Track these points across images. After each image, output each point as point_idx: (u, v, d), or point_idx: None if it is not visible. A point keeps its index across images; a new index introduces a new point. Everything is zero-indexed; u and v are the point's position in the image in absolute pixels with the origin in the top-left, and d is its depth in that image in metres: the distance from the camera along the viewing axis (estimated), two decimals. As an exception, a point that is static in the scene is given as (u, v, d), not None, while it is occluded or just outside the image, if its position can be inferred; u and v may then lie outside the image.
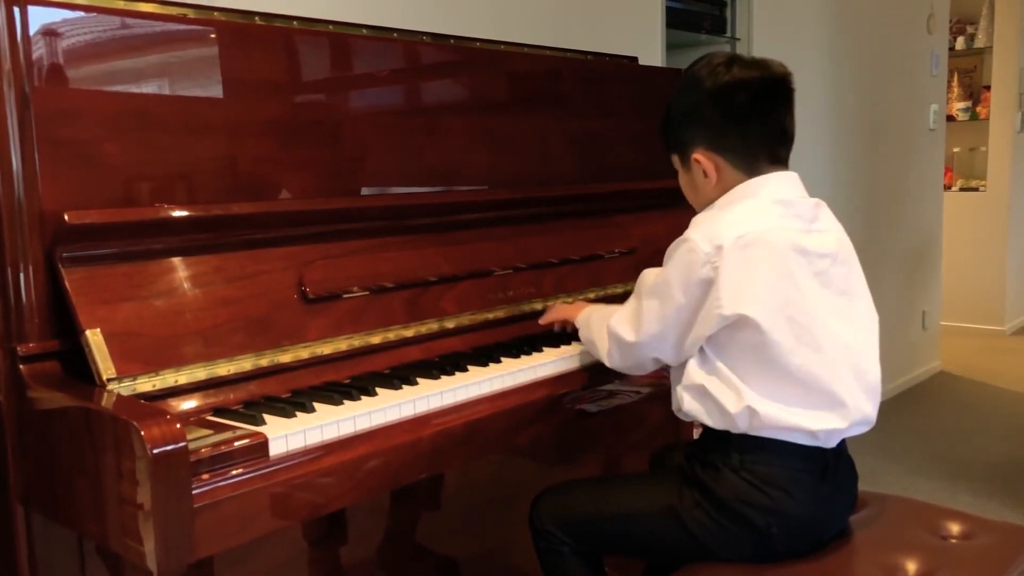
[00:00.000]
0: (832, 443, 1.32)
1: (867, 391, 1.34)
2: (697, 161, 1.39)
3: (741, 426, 1.29)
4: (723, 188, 1.38)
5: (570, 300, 1.72)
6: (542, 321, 1.64)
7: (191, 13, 1.35)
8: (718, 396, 1.30)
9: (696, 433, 1.89)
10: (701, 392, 1.32)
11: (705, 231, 1.31)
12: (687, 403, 1.34)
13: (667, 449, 1.75)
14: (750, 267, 1.27)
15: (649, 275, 1.40)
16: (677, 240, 1.34)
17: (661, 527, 1.36)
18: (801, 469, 1.30)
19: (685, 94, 1.42)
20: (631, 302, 1.41)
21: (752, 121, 1.36)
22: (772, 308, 1.26)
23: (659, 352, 1.37)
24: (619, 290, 1.83)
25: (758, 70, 1.36)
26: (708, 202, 1.41)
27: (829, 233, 1.37)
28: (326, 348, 1.35)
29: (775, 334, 1.26)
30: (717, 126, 1.37)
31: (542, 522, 1.47)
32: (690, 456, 1.38)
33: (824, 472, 1.32)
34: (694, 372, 1.33)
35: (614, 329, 1.41)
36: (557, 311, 1.64)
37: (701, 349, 1.32)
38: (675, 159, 1.46)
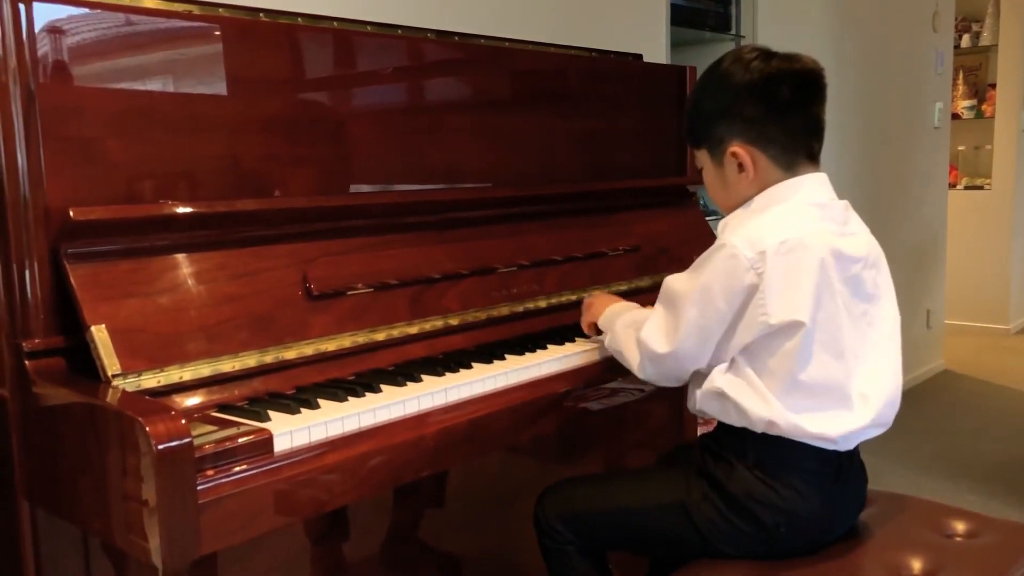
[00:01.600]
0: (849, 446, 1.32)
1: (885, 395, 1.33)
2: (734, 154, 1.35)
3: (759, 429, 1.28)
4: (759, 185, 1.35)
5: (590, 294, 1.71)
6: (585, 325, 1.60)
7: (196, 10, 1.35)
8: (741, 401, 1.28)
9: (700, 430, 1.89)
10: (721, 395, 1.31)
11: (745, 236, 1.27)
12: (706, 404, 1.34)
13: (676, 449, 1.75)
14: (794, 273, 1.25)
15: (675, 282, 1.34)
16: (713, 246, 1.31)
17: (667, 521, 1.36)
18: (816, 471, 1.30)
19: (718, 89, 1.37)
20: (660, 311, 1.36)
21: (794, 114, 1.34)
22: (812, 314, 1.25)
23: (697, 362, 1.33)
24: (622, 287, 1.83)
25: (798, 63, 1.35)
26: (739, 200, 1.37)
27: (860, 236, 1.36)
28: (330, 345, 1.35)
29: (809, 339, 1.25)
30: (758, 119, 1.33)
31: (547, 518, 1.47)
32: (703, 449, 1.38)
33: (838, 475, 1.32)
34: (717, 376, 1.31)
35: (646, 342, 1.35)
36: (590, 312, 1.59)
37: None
38: (703, 155, 1.42)
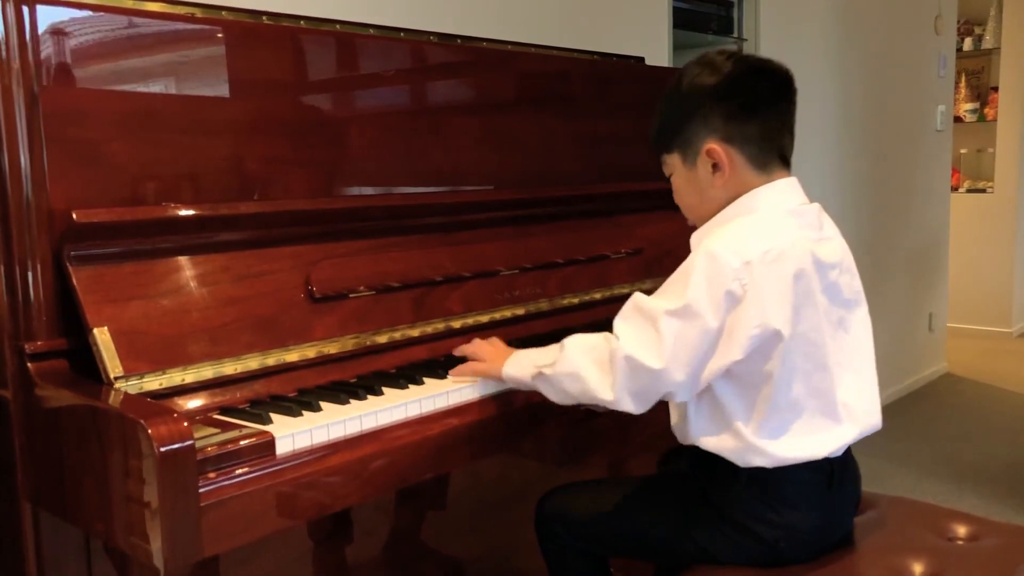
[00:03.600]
0: (839, 453, 1.31)
1: (865, 401, 1.32)
2: (710, 152, 1.30)
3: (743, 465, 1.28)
4: (734, 186, 1.31)
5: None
6: (454, 372, 1.40)
7: (199, 12, 1.35)
8: (723, 453, 1.28)
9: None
10: (703, 432, 1.30)
11: (729, 245, 1.22)
12: (688, 436, 1.33)
13: (675, 452, 1.74)
14: (779, 284, 1.22)
15: (648, 299, 1.24)
16: (690, 258, 1.25)
17: (666, 533, 1.36)
18: (809, 481, 1.29)
19: (690, 90, 1.33)
20: (630, 327, 1.23)
21: (770, 111, 1.31)
22: (793, 326, 1.23)
23: (678, 382, 1.21)
24: (625, 290, 1.83)
25: (771, 63, 1.34)
26: (710, 206, 1.33)
27: (834, 240, 1.34)
28: (332, 347, 1.36)
29: (790, 353, 1.23)
30: (735, 115, 1.30)
31: (548, 523, 1.47)
32: (696, 467, 1.37)
33: (831, 481, 1.31)
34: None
35: (634, 355, 1.20)
36: (471, 366, 1.41)
37: (709, 388, 1.26)
38: (673, 160, 1.37)
